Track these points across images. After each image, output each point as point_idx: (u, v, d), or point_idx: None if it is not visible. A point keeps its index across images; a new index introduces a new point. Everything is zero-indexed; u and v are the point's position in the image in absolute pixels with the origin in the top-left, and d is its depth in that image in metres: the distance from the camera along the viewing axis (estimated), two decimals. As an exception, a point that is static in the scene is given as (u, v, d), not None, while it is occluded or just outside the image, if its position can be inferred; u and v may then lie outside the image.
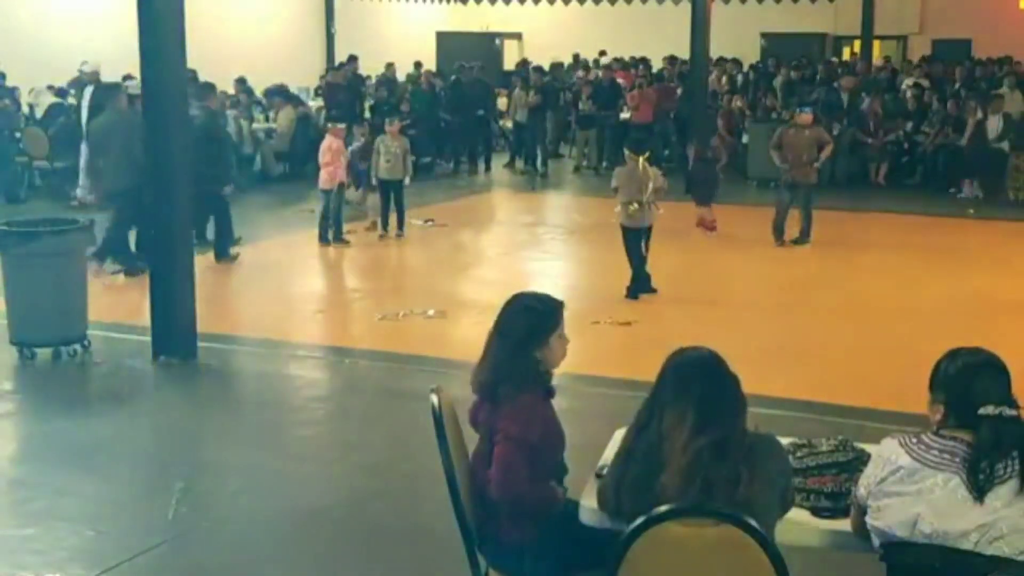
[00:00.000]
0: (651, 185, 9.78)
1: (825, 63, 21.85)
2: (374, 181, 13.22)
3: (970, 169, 16.58)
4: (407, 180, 13.35)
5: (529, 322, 3.81)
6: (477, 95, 20.06)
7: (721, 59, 20.50)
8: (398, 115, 15.62)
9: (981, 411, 3.02)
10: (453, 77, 20.76)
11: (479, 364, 3.86)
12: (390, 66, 21.14)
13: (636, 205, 9.77)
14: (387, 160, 13.06)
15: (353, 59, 20.11)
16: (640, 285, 10.06)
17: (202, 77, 14.50)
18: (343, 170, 12.86)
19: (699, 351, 3.29)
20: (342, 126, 13.16)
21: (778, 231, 12.55)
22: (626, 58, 23.44)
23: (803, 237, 12.56)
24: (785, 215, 12.55)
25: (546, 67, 21.71)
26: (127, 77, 15.75)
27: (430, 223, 14.11)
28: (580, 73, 22.13)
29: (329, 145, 12.77)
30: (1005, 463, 2.96)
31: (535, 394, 3.79)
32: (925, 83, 19.47)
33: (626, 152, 10.22)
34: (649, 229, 9.96)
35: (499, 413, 3.76)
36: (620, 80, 20.65)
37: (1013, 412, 3.03)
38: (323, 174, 12.78)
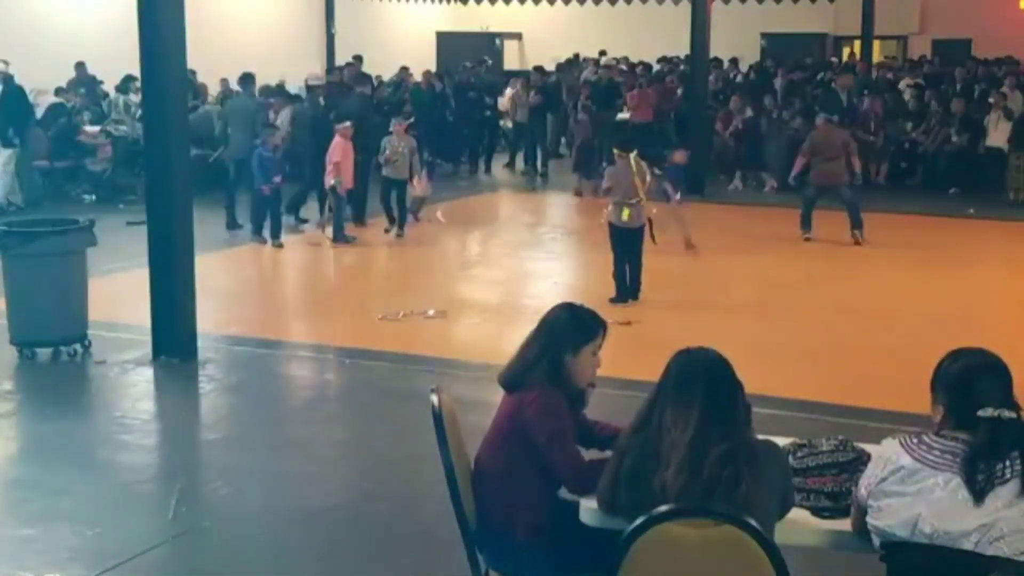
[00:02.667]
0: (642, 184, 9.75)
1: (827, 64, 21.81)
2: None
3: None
4: (414, 180, 13.41)
5: (568, 324, 3.84)
6: (485, 95, 20.03)
7: (716, 60, 20.32)
8: (401, 115, 15.61)
9: (980, 413, 3.02)
10: (457, 79, 20.74)
11: (511, 360, 3.89)
12: (404, 70, 21.17)
13: (629, 208, 9.72)
14: (393, 159, 13.09)
15: (357, 60, 20.05)
16: (632, 287, 9.95)
17: (202, 77, 14.54)
18: (346, 170, 12.87)
19: (704, 352, 3.29)
20: (347, 124, 13.16)
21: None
22: (630, 58, 23.30)
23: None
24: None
25: (546, 67, 21.61)
26: (130, 77, 15.77)
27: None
28: (589, 71, 21.93)
29: (335, 145, 12.77)
30: (1006, 464, 2.96)
31: (555, 389, 3.79)
32: (917, 81, 19.48)
33: (615, 151, 10.18)
34: (641, 229, 9.83)
35: (522, 405, 3.76)
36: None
37: (1012, 414, 3.03)
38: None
